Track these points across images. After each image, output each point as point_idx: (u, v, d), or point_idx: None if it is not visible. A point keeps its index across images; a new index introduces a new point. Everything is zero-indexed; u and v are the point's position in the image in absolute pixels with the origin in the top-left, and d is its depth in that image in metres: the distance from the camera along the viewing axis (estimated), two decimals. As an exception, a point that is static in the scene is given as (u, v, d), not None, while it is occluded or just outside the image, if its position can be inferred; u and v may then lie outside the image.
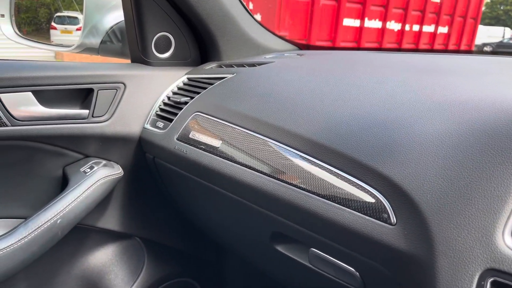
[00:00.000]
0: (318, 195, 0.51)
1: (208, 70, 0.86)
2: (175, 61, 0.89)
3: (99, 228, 0.89)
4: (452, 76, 0.61)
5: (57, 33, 1.34)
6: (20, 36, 0.95)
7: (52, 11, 1.36)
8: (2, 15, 0.94)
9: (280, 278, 0.73)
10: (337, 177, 0.50)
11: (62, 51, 0.94)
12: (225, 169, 0.63)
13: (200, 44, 0.92)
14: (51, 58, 6.48)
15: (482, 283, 0.37)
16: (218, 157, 0.65)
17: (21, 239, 0.69)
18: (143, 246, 0.96)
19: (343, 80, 0.64)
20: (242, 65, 0.84)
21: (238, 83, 0.75)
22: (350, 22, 5.88)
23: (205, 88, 0.78)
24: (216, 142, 0.66)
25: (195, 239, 1.02)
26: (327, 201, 0.50)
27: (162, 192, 0.90)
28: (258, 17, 5.30)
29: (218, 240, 0.90)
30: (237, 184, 0.62)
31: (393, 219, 0.45)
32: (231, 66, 0.85)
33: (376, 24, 6.20)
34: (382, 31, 6.34)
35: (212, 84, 0.79)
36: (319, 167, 0.52)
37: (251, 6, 5.34)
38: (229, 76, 0.79)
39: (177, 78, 0.87)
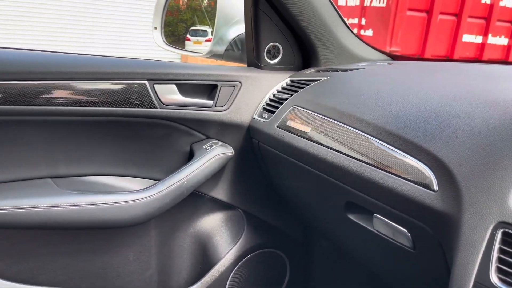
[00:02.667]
0: (381, 169, 0.65)
1: (308, 74, 1.04)
2: (282, 66, 1.09)
3: (211, 196, 1.12)
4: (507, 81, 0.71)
5: (190, 44, 1.62)
6: (166, 43, 1.23)
7: (188, 25, 1.64)
8: (155, 28, 1.23)
9: (349, 245, 0.87)
10: (397, 155, 0.64)
11: (196, 56, 1.20)
12: (312, 149, 0.80)
13: (303, 52, 1.10)
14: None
15: (494, 232, 0.48)
16: (307, 140, 0.82)
17: (159, 192, 0.94)
18: (244, 217, 1.17)
19: (413, 82, 0.77)
20: (336, 70, 1.00)
21: (329, 84, 0.91)
22: (470, 38, 5.59)
23: (302, 88, 0.96)
24: (306, 129, 0.84)
25: (286, 217, 1.20)
26: (387, 173, 0.64)
27: (263, 172, 1.09)
28: (369, 32, 5.34)
29: (304, 215, 1.06)
30: (321, 161, 0.78)
31: (436, 187, 0.57)
32: (327, 71, 1.02)
33: (501, 40, 5.78)
34: (509, 47, 5.88)
35: (308, 84, 0.96)
36: (384, 147, 0.66)
37: (363, 21, 5.41)
38: (323, 78, 0.95)
39: (282, 79, 1.06)
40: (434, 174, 0.58)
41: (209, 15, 1.21)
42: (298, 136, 0.85)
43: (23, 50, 0.91)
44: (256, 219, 1.17)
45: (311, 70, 1.06)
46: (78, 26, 7.57)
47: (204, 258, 1.14)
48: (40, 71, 0.85)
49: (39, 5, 7.24)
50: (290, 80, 1.05)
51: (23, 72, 0.84)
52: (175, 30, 1.37)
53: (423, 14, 5.20)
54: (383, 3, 5.17)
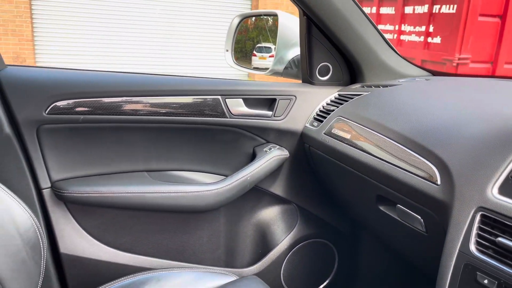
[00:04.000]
0: (401, 168, 0.83)
1: (353, 89, 1.22)
2: (331, 82, 1.28)
3: (270, 192, 1.33)
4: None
5: (256, 59, 1.85)
6: (236, 63, 1.47)
7: (255, 43, 1.87)
8: (227, 50, 1.48)
9: (381, 232, 1.04)
10: (413, 157, 0.81)
11: (260, 73, 1.43)
12: (350, 152, 0.99)
13: (351, 70, 1.28)
14: (244, 77, 7.67)
15: (475, 215, 0.64)
16: (346, 145, 1.01)
17: (227, 185, 1.17)
18: (297, 210, 1.37)
19: (436, 97, 0.93)
20: (378, 86, 1.17)
21: (369, 98, 1.09)
22: (550, 43, 5.28)
23: (347, 101, 1.15)
24: (346, 135, 1.02)
25: (335, 212, 1.38)
26: (405, 171, 0.81)
27: (314, 172, 1.28)
28: (437, 39, 5.26)
29: (348, 209, 1.23)
30: (357, 162, 0.96)
31: (439, 181, 0.74)
32: (370, 86, 1.19)
33: None
34: None
35: (352, 98, 1.14)
36: (404, 151, 0.84)
37: (431, 28, 5.34)
38: (365, 93, 1.13)
39: (331, 93, 1.25)
40: (438, 171, 0.75)
41: (271, 33, 1.44)
42: (340, 141, 1.04)
43: (128, 74, 1.19)
44: (308, 212, 1.37)
45: (357, 86, 1.24)
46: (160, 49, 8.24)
47: (263, 243, 1.36)
48: (141, 90, 1.12)
49: (120, 32, 7.99)
50: (338, 94, 1.24)
51: (130, 90, 1.11)
52: (244, 47, 1.55)
53: (496, 19, 5.02)
54: (453, 9, 5.08)
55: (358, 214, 1.18)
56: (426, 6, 5.36)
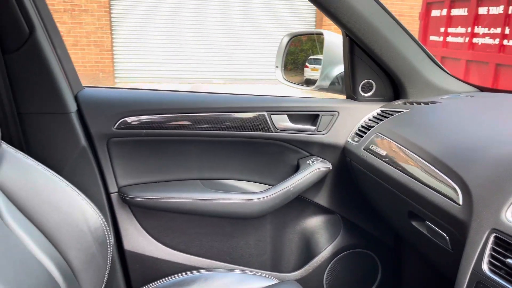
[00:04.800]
0: (428, 186, 0.87)
1: (395, 105, 1.25)
2: (375, 98, 1.32)
3: (314, 202, 1.40)
4: None
5: (309, 70, 1.91)
6: (285, 79, 1.56)
7: (307, 54, 1.94)
8: (277, 67, 1.57)
9: (416, 246, 1.07)
10: (440, 177, 0.84)
11: (306, 89, 1.50)
12: (384, 168, 1.03)
13: (394, 86, 1.31)
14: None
15: (489, 236, 0.67)
16: (381, 161, 1.06)
17: (271, 194, 1.26)
18: (341, 220, 1.42)
19: (475, 116, 0.96)
20: (419, 103, 1.19)
21: (407, 116, 1.12)
22: None
23: (387, 118, 1.19)
24: (382, 152, 1.07)
25: (378, 223, 1.41)
26: (432, 190, 0.85)
27: (355, 184, 1.33)
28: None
29: (387, 221, 1.27)
30: (390, 178, 1.01)
31: (461, 201, 0.77)
32: (411, 103, 1.22)
33: None
34: None
35: (392, 115, 1.18)
36: (432, 170, 0.87)
37: (507, 30, 5.02)
38: (405, 111, 1.16)
39: (374, 109, 1.29)
40: (461, 192, 0.78)
41: (320, 45, 1.51)
42: (376, 157, 1.09)
43: (184, 92, 1.33)
44: (351, 223, 1.42)
45: (399, 102, 1.27)
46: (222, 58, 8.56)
47: (307, 250, 1.43)
48: (195, 107, 1.25)
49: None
50: (380, 110, 1.28)
51: (185, 108, 1.25)
52: (296, 58, 1.61)
53: None
54: (532, 9, 4.74)
55: (396, 228, 1.22)
56: (502, 7, 5.05)
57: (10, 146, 1.00)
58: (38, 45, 1.08)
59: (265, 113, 1.27)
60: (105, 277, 1.08)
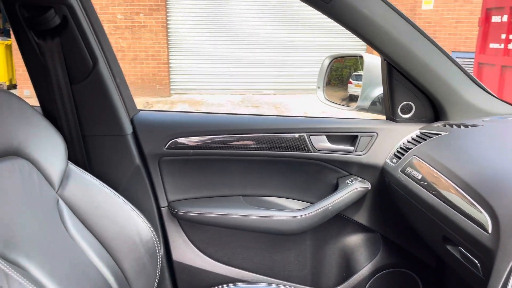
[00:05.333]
0: (460, 213, 0.88)
1: (434, 127, 1.26)
2: (414, 120, 1.33)
3: (354, 220, 1.43)
4: None
5: (352, 86, 1.92)
6: (327, 99, 1.61)
7: (351, 71, 1.96)
8: (318, 87, 1.62)
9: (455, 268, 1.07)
10: (471, 204, 0.86)
11: (347, 110, 1.54)
12: (419, 192, 1.05)
13: (434, 108, 1.32)
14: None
15: None
16: (417, 184, 1.08)
17: (310, 212, 1.31)
18: (381, 239, 1.44)
19: (507, 142, 0.95)
20: (458, 126, 1.20)
21: (444, 139, 1.13)
22: None
23: (425, 140, 1.20)
24: (418, 175, 1.09)
25: (419, 243, 1.41)
26: (464, 217, 0.87)
27: (395, 204, 1.35)
28: None
29: (427, 243, 1.27)
30: (425, 202, 1.03)
31: (490, 230, 0.79)
32: (451, 125, 1.22)
33: None
34: None
35: (430, 137, 1.19)
36: (464, 197, 0.89)
37: None
38: (443, 133, 1.17)
39: (413, 131, 1.31)
40: (490, 220, 0.79)
41: (361, 66, 1.54)
42: (412, 180, 1.11)
43: (227, 114, 1.42)
44: (391, 242, 1.43)
45: (439, 124, 1.28)
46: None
47: (346, 267, 1.46)
48: (238, 128, 1.34)
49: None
50: (420, 132, 1.29)
51: (229, 129, 1.34)
52: (341, 74, 1.64)
53: None
54: None
55: (434, 249, 1.22)
56: None
57: (75, 166, 1.13)
58: (100, 76, 1.22)
59: (304, 134, 1.33)
60: (155, 286, 1.18)
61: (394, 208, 1.38)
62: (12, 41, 7.47)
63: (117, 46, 8.18)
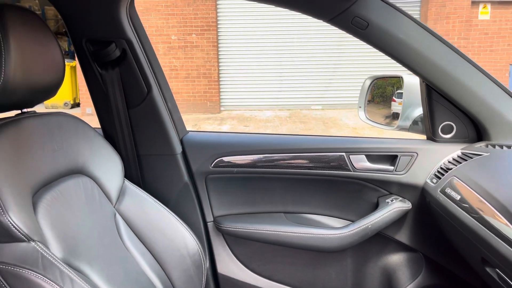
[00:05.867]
0: (497, 235, 0.89)
1: (476, 148, 1.26)
2: (455, 140, 1.33)
3: (395, 239, 1.44)
4: None
5: (396, 104, 1.93)
6: (367, 119, 1.64)
7: (394, 89, 1.97)
8: (360, 107, 1.66)
9: None
10: (508, 227, 0.87)
11: (388, 129, 1.56)
12: (457, 213, 1.06)
13: (476, 127, 1.31)
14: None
15: None
16: (455, 205, 1.08)
17: (350, 230, 1.34)
18: (423, 259, 1.43)
19: None
20: (501, 146, 1.19)
21: (485, 161, 1.13)
22: None
23: (466, 160, 1.20)
24: (457, 196, 1.10)
25: (463, 263, 1.39)
26: (500, 240, 0.87)
27: (436, 224, 1.35)
28: None
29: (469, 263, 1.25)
30: (463, 223, 1.03)
31: None
32: (494, 146, 1.21)
33: None
34: None
35: (471, 158, 1.19)
36: (501, 220, 0.89)
37: None
38: (484, 154, 1.17)
39: (454, 151, 1.31)
40: None
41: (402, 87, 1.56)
42: (451, 201, 1.12)
43: (268, 135, 1.49)
44: (434, 262, 1.42)
45: (481, 144, 1.27)
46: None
47: (388, 286, 1.46)
48: (279, 148, 1.40)
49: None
50: (461, 152, 1.29)
51: (270, 149, 1.41)
52: (384, 92, 1.65)
53: None
54: None
55: (477, 271, 1.20)
56: None
57: (130, 183, 1.25)
58: (154, 101, 1.34)
59: (344, 153, 1.37)
60: None
61: (435, 228, 1.37)
62: (76, 62, 8.07)
63: (171, 66, 8.57)
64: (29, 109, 1.06)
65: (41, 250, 0.81)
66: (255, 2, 1.20)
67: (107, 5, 1.21)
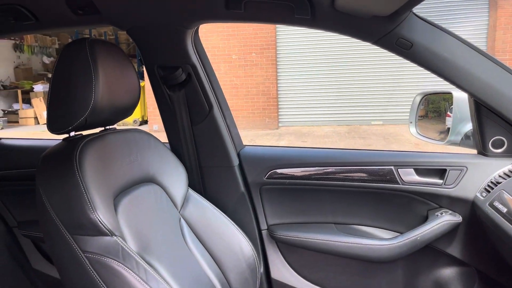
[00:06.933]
0: None
1: (527, 162, 1.26)
2: (507, 154, 1.34)
3: (447, 253, 1.45)
4: None
5: (450, 119, 1.94)
6: (418, 133, 1.67)
7: (448, 104, 1.96)
8: (411, 122, 1.70)
9: None
10: None
11: (438, 144, 1.58)
12: (504, 225, 1.08)
13: None
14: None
15: None
16: (502, 218, 1.10)
17: (398, 242, 1.39)
18: (476, 274, 1.43)
19: None
20: None
21: None
22: None
23: None
24: (504, 209, 1.12)
25: None
26: None
27: (487, 238, 1.35)
28: None
29: None
30: (507, 235, 1.05)
31: None
32: None
33: None
34: None
35: None
36: None
37: None
38: None
39: (505, 165, 1.32)
40: None
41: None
42: (498, 214, 1.14)
43: (318, 149, 1.58)
44: (487, 277, 1.41)
45: None
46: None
47: None
48: (329, 161, 1.49)
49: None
50: None
51: (320, 162, 1.50)
52: (438, 107, 1.65)
53: None
54: None
55: None
56: None
57: (194, 191, 1.40)
58: (214, 119, 1.49)
59: (392, 167, 1.43)
60: None
61: (487, 242, 1.37)
62: (145, 83, 8.67)
63: (232, 84, 8.91)
64: (110, 126, 1.25)
65: (121, 244, 0.97)
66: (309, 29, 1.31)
67: (176, 36, 1.39)
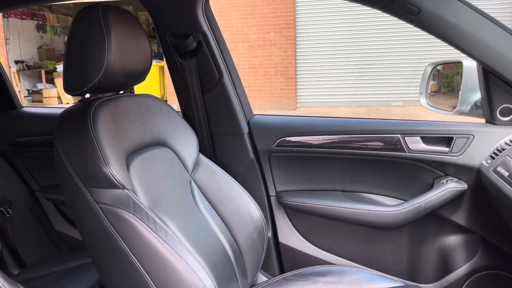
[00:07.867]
0: None
1: (533, 128, 1.26)
2: None
3: (452, 220, 1.47)
4: None
5: (461, 93, 1.89)
6: (428, 104, 1.68)
7: (461, 77, 1.92)
8: (421, 93, 1.70)
9: None
10: None
11: (449, 114, 1.59)
12: (505, 189, 1.10)
13: None
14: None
15: None
16: (504, 182, 1.12)
17: (403, 208, 1.42)
18: (480, 240, 1.45)
19: None
20: None
21: None
22: None
23: None
24: (505, 173, 1.13)
25: None
26: None
27: (492, 205, 1.36)
28: None
29: None
30: (509, 199, 1.07)
31: None
32: None
33: None
34: None
35: None
36: None
37: None
38: None
39: None
40: None
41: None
42: (500, 178, 1.15)
43: (326, 118, 1.61)
44: (491, 243, 1.43)
45: None
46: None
47: (444, 265, 1.50)
48: (337, 130, 1.52)
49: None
50: None
51: (329, 130, 1.53)
52: (451, 81, 1.63)
53: None
54: None
55: None
56: None
57: (204, 157, 1.45)
58: (224, 87, 1.53)
59: (399, 135, 1.45)
60: (262, 260, 1.43)
61: (492, 210, 1.39)
62: (164, 63, 8.72)
63: (250, 64, 8.90)
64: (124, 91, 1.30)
65: (132, 196, 1.03)
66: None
67: (187, 3, 1.43)
